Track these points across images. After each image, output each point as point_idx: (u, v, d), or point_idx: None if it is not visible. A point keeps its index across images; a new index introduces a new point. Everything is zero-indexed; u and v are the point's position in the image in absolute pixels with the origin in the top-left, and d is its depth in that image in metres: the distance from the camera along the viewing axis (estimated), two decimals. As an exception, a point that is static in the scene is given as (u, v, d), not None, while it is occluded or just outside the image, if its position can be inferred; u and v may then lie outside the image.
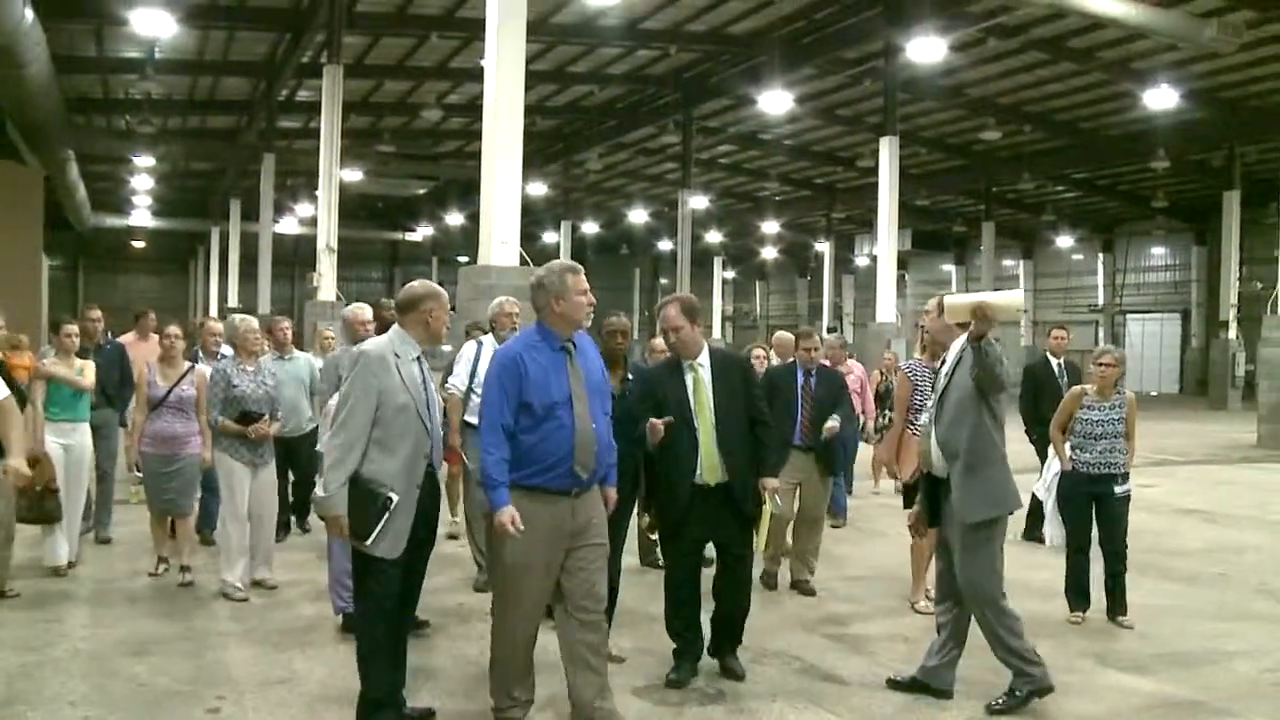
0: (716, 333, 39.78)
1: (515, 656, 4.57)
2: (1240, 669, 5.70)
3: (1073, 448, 6.61)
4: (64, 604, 6.50)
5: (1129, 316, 39.86)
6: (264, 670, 5.33)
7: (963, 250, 43.29)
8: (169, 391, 7.05)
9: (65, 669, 5.28)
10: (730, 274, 53.35)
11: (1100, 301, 40.26)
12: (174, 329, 7.43)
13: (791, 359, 7.57)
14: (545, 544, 4.46)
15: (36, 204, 20.81)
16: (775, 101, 22.56)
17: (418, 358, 4.63)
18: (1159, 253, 39.23)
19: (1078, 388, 6.82)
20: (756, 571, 6.24)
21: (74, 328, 7.51)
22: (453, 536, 8.42)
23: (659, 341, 7.40)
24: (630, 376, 5.77)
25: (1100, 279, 40.53)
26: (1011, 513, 5.07)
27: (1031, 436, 8.94)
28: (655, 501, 5.44)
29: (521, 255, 11.76)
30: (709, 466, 5.15)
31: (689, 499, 5.16)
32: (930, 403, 5.23)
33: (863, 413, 10.01)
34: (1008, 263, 41.93)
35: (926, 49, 18.45)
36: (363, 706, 4.53)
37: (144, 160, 31.43)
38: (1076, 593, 6.59)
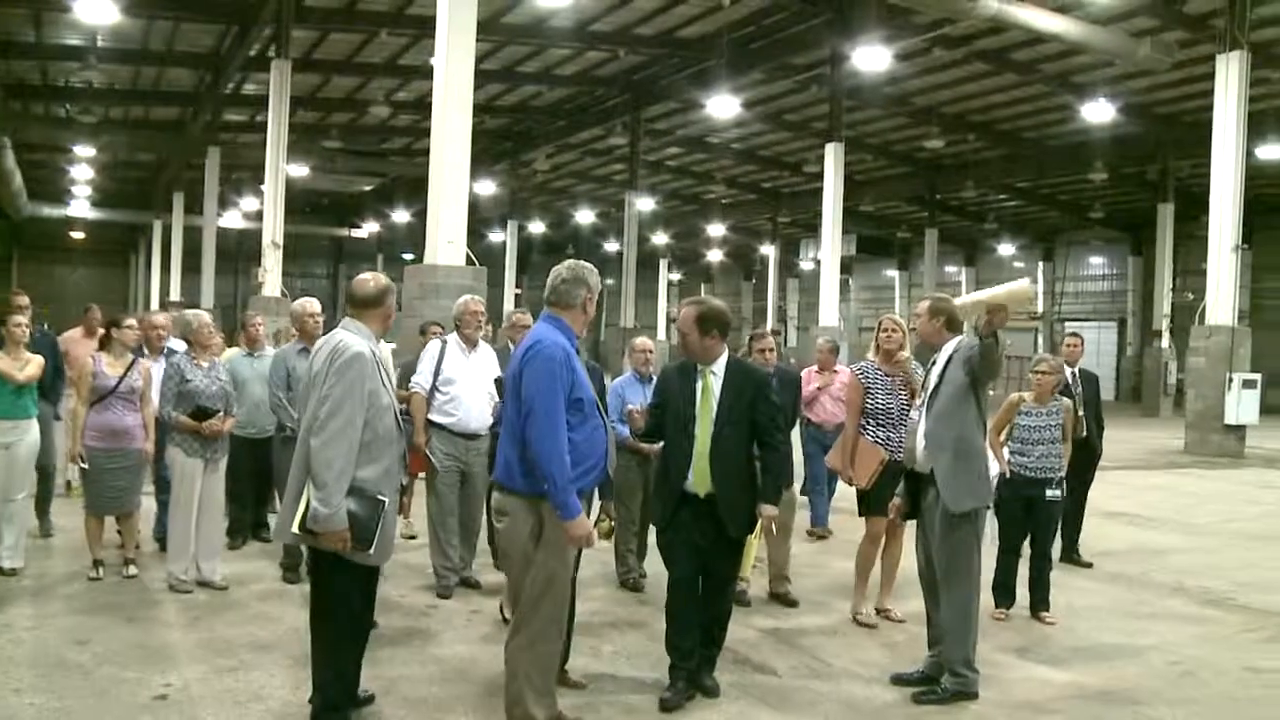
0: (660, 334, 39.94)
1: (552, 675, 4.49)
2: (1151, 661, 5.98)
3: (1011, 452, 6.85)
4: (5, 598, 6.44)
5: (1067, 325, 40.59)
6: (211, 658, 5.37)
7: (906, 256, 43.88)
8: (120, 381, 6.78)
9: (9, 658, 5.30)
10: (676, 275, 53.66)
11: (1040, 309, 40.98)
12: (161, 317, 7.64)
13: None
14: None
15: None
16: (723, 106, 22.85)
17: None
18: (1097, 262, 40.08)
19: (1015, 394, 7.05)
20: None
21: (23, 318, 7.02)
22: (411, 537, 8.34)
23: (641, 341, 7.41)
24: None
25: (1040, 287, 41.27)
26: (988, 505, 5.35)
27: None
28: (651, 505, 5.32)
29: (468, 254, 11.83)
30: (699, 474, 5.01)
31: (677, 504, 5.06)
32: (920, 400, 5.39)
33: None
34: (950, 269, 42.51)
35: (872, 57, 18.80)
36: (326, 709, 4.42)
37: (84, 150, 30.90)
38: (1002, 590, 6.83)
